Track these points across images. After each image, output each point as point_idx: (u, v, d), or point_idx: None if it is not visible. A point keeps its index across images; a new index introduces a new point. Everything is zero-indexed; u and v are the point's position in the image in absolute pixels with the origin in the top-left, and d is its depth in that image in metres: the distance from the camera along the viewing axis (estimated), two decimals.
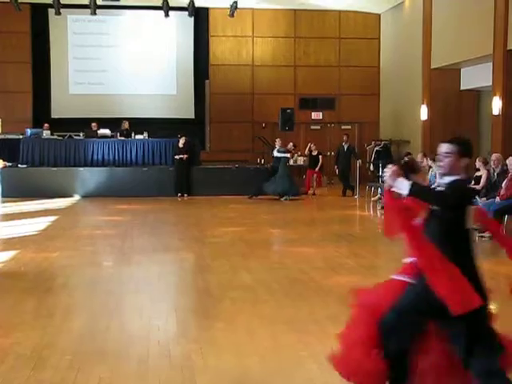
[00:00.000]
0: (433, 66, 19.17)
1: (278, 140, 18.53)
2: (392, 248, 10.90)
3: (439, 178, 4.17)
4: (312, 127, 23.80)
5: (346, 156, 18.99)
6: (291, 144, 18.67)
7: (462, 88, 19.24)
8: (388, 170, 3.85)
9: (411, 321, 3.81)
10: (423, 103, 19.63)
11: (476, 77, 18.10)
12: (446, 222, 3.78)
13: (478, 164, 12.64)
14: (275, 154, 18.01)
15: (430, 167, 14.34)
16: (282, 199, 17.33)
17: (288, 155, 18.04)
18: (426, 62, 19.41)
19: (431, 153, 16.55)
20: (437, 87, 19.30)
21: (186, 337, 5.62)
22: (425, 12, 19.46)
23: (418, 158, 15.73)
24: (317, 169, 19.07)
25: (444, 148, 3.93)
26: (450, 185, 3.84)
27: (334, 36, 23.66)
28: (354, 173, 18.56)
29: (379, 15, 23.64)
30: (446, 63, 18.44)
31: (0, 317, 6.21)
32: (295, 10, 23.28)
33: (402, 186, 3.77)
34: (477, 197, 11.96)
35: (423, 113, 19.63)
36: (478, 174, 12.58)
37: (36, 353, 5.10)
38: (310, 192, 18.93)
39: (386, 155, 21.07)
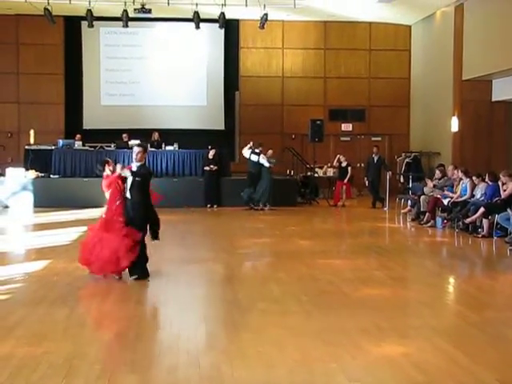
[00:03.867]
0: (464, 78, 19.04)
1: (270, 151, 18.51)
2: (421, 260, 10.86)
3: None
4: (342, 139, 23.74)
5: (375, 168, 18.89)
6: (270, 152, 18.50)
7: (494, 99, 19.07)
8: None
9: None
10: (454, 115, 19.49)
11: (508, 88, 17.93)
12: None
13: (504, 179, 12.47)
14: (262, 161, 17.90)
15: (461, 179, 14.21)
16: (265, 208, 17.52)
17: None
18: (457, 73, 19.28)
19: (462, 164, 16.44)
20: (468, 99, 19.16)
21: (215, 348, 5.64)
22: (456, 23, 19.35)
23: (449, 169, 15.63)
24: (346, 180, 18.98)
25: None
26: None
27: (364, 48, 23.62)
28: (384, 185, 18.44)
29: (410, 27, 23.56)
30: (478, 74, 18.29)
31: (32, 326, 6.30)
32: (325, 22, 23.30)
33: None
34: (508, 209, 11.84)
35: (454, 124, 19.48)
36: (505, 187, 12.43)
37: (67, 362, 5.16)
38: (340, 204, 18.86)
39: (416, 167, 20.98)
